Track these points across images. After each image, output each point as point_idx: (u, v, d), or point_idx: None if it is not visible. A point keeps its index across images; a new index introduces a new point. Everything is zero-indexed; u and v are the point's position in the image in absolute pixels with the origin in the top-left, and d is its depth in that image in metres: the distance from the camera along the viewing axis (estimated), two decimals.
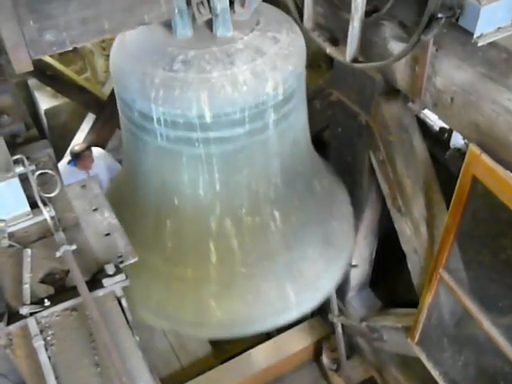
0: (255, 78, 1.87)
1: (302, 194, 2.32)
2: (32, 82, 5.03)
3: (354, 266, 3.46)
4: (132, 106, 1.99)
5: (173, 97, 1.87)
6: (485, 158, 2.04)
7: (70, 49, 1.55)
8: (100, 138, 4.68)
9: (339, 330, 3.69)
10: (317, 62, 3.43)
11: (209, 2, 1.87)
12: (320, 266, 2.36)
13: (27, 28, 1.42)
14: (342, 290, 3.65)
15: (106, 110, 4.56)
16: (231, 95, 1.86)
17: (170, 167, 2.09)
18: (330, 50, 2.39)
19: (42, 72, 4.35)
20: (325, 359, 4.02)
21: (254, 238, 2.22)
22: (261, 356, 4.00)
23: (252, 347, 4.06)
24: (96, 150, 4.30)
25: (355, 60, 2.31)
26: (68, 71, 4.62)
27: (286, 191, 2.23)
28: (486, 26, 1.93)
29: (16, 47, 1.41)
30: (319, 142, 3.48)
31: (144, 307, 2.28)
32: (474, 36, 1.93)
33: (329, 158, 3.25)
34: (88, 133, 4.67)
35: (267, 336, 4.43)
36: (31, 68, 1.47)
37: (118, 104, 2.15)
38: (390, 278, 3.68)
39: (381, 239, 3.44)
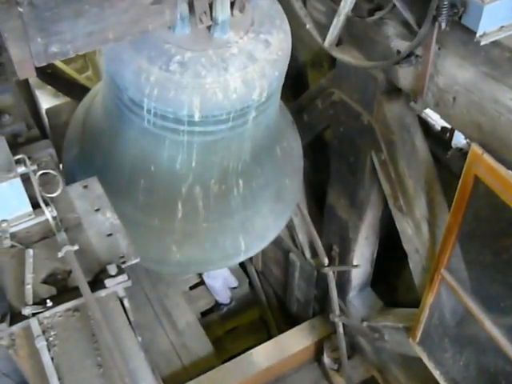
0: (245, 87, 2.03)
1: (264, 163, 2.60)
2: (33, 80, 5.01)
3: (356, 266, 3.46)
4: (123, 90, 2.09)
5: (167, 97, 1.98)
6: (487, 157, 2.03)
7: (73, 56, 1.57)
8: None
9: (340, 329, 3.69)
10: (319, 62, 3.42)
11: (211, 12, 1.89)
12: (269, 220, 2.71)
13: (34, 44, 1.46)
14: (343, 289, 3.65)
15: None
16: (221, 102, 2.00)
17: (151, 144, 2.27)
18: (309, 26, 2.47)
19: (43, 70, 4.32)
20: (326, 359, 4.02)
21: (218, 201, 2.50)
22: (262, 356, 4.00)
23: (253, 347, 4.06)
24: None
25: (330, 46, 2.44)
26: (69, 70, 4.61)
27: (252, 164, 2.50)
28: (489, 24, 1.92)
29: (22, 61, 1.44)
30: (321, 142, 3.49)
31: None
32: (477, 35, 1.92)
33: (330, 157, 3.26)
34: None
35: (268, 336, 4.44)
36: (34, 74, 1.49)
37: (104, 77, 2.28)
38: (391, 278, 3.68)
39: (382, 239, 3.44)
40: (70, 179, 2.19)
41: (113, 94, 2.23)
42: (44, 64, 1.54)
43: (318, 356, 4.13)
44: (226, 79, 1.98)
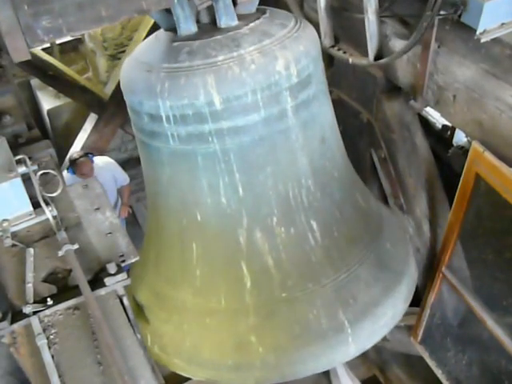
0: (264, 57, 1.74)
1: (341, 204, 2.02)
2: (34, 82, 5.05)
3: None
4: (140, 110, 1.86)
5: (179, 85, 1.73)
6: (488, 155, 2.03)
7: (69, 38, 1.53)
8: (102, 137, 4.69)
9: None
10: None
11: None
12: (376, 291, 2.01)
13: (22, 13, 1.38)
14: None
15: (108, 110, 4.57)
16: (239, 75, 1.70)
17: (186, 173, 1.87)
18: (352, 59, 2.37)
19: (44, 72, 4.36)
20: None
21: (291, 255, 1.90)
22: None
23: None
24: (101, 159, 4.10)
25: (379, 57, 2.25)
26: (69, 71, 4.63)
27: (322, 197, 1.93)
28: (490, 21, 1.92)
29: (12, 34, 1.37)
30: None
31: (178, 356, 2.03)
32: (477, 32, 1.92)
33: None
34: (90, 132, 4.68)
35: None
36: (29, 57, 1.43)
37: (132, 123, 2.00)
38: None
39: None
40: None
41: (137, 130, 1.96)
42: (38, 44, 1.47)
43: None
44: (239, 54, 1.73)
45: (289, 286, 1.91)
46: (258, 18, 1.88)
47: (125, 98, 1.97)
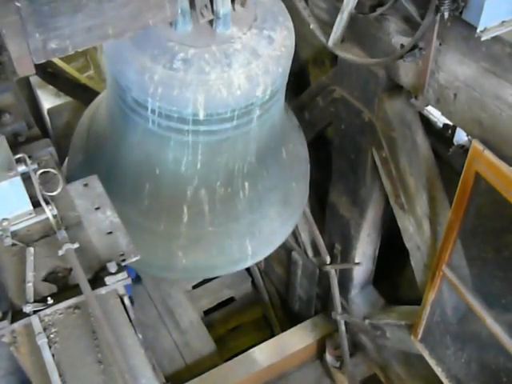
0: (249, 83, 2.00)
1: (270, 165, 2.55)
2: (34, 79, 5.01)
3: (358, 263, 3.45)
4: (127, 91, 2.07)
5: (171, 95, 1.95)
6: (488, 154, 2.03)
7: (72, 53, 1.56)
8: None
9: (342, 327, 3.68)
10: (321, 59, 3.41)
11: (212, 6, 1.88)
12: (277, 224, 2.65)
13: (33, 40, 1.45)
14: (345, 287, 3.65)
15: None
16: (226, 99, 1.99)
17: (156, 146, 2.23)
18: (313, 26, 2.46)
19: (44, 69, 4.32)
20: (328, 357, 4.02)
21: (223, 204, 2.46)
22: (264, 354, 4.01)
23: (256, 345, 4.06)
24: None
25: (334, 46, 2.43)
26: (70, 69, 4.59)
27: (258, 165, 2.45)
28: (490, 19, 1.90)
29: (21, 58, 1.43)
30: (322, 139, 3.48)
31: None
32: (478, 30, 1.91)
33: (332, 155, 3.25)
34: None
35: (271, 334, 4.44)
36: (33, 71, 1.49)
37: (108, 79, 2.26)
38: (393, 276, 3.68)
39: (384, 237, 3.43)
40: None
41: (116, 96, 2.22)
42: (43, 61, 1.53)
43: (320, 354, 4.13)
44: (229, 75, 1.97)
45: (216, 224, 2.50)
46: (250, 28, 2.06)
47: (107, 65, 2.13)
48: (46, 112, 4.96)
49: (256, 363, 3.96)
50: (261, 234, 2.60)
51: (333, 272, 3.48)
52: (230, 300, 4.85)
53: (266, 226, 2.61)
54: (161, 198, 2.44)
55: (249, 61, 2.00)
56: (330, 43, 2.43)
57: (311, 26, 2.47)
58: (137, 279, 4.42)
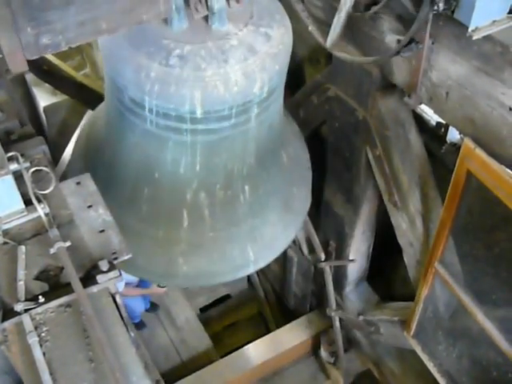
0: (246, 79, 1.97)
1: (270, 168, 2.51)
2: (30, 77, 4.99)
3: (352, 260, 3.47)
4: (123, 90, 2.04)
5: (168, 93, 1.92)
6: (479, 152, 2.04)
7: (65, 49, 1.55)
8: None
9: (337, 323, 3.71)
10: (316, 57, 3.40)
11: (206, 1, 1.88)
12: (278, 229, 2.60)
13: (24, 34, 1.43)
14: (339, 284, 3.67)
15: None
16: (223, 95, 1.95)
17: (154, 147, 2.20)
18: (311, 28, 2.45)
19: (39, 67, 4.30)
20: (323, 352, 4.04)
21: (224, 208, 2.40)
22: (260, 350, 4.03)
23: (252, 342, 4.08)
24: None
25: (333, 47, 2.40)
26: (66, 67, 4.57)
27: (257, 168, 2.41)
28: (481, 19, 1.91)
29: (12, 53, 1.42)
30: (316, 137, 3.49)
31: None
32: (469, 29, 1.91)
33: (326, 153, 3.26)
34: None
35: (267, 331, 4.47)
36: (26, 68, 1.48)
37: (106, 82, 2.21)
38: (386, 272, 3.70)
39: (378, 234, 3.44)
40: None
41: (114, 98, 2.19)
42: (36, 57, 1.51)
43: (315, 350, 4.16)
44: (226, 71, 1.93)
45: (216, 229, 2.44)
46: (246, 25, 2.03)
47: (104, 65, 2.10)
48: (42, 110, 4.95)
49: (252, 359, 3.99)
50: (262, 240, 2.52)
51: (327, 269, 3.50)
52: (226, 297, 4.87)
53: (268, 232, 2.54)
54: (160, 203, 2.38)
55: (245, 57, 1.97)
56: (329, 44, 2.40)
57: (310, 28, 2.45)
58: (141, 324, 4.28)
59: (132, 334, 1.56)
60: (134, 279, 3.77)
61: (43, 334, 1.44)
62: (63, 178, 2.39)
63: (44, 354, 1.39)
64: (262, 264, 2.62)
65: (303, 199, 2.77)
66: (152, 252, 2.42)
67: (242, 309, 4.85)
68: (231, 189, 2.37)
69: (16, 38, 1.41)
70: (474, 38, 1.93)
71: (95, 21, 1.50)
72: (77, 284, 1.48)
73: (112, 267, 1.57)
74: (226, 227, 2.45)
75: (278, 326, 4.26)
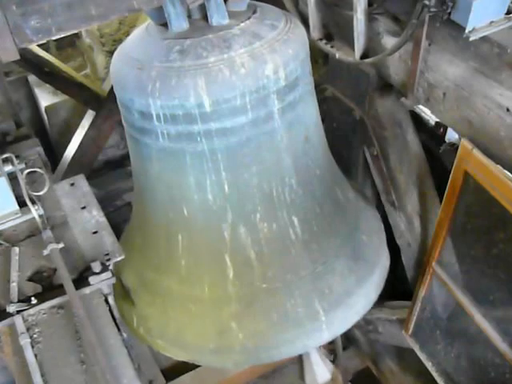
0: (253, 60, 1.76)
1: (322, 200, 2.08)
2: (32, 78, 5.03)
3: None
4: (131, 107, 1.89)
5: (170, 86, 1.76)
6: (476, 153, 2.02)
7: (57, 37, 1.50)
8: (100, 134, 4.67)
9: None
10: (313, 58, 3.39)
11: None
12: (351, 282, 2.10)
13: (10, 13, 1.38)
14: None
15: (106, 107, 4.55)
16: (229, 78, 1.73)
17: (174, 170, 1.93)
18: (339, 55, 2.36)
19: (40, 69, 4.35)
20: (322, 350, 4.04)
21: (272, 248, 1.98)
22: None
23: None
24: None
25: (365, 56, 2.25)
26: (66, 68, 4.61)
27: (304, 195, 1.99)
28: (478, 20, 1.89)
29: (0, 35, 1.37)
30: None
31: (162, 338, 2.10)
32: (466, 30, 1.89)
33: None
34: (88, 129, 4.67)
35: None
36: (17, 57, 1.43)
37: (122, 116, 2.03)
38: None
39: None
40: None
41: (128, 127, 1.99)
42: (27, 44, 1.46)
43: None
44: (230, 56, 1.75)
45: (269, 277, 1.98)
46: (249, 18, 1.89)
47: (115, 93, 1.98)
48: (43, 110, 4.99)
49: None
50: (332, 294, 2.01)
51: None
52: None
53: (337, 284, 2.03)
54: (198, 249, 1.98)
55: (250, 42, 1.78)
56: (357, 56, 2.25)
57: (337, 56, 2.37)
58: None
59: (125, 335, 1.57)
60: None
61: (35, 336, 1.45)
62: (64, 177, 2.37)
63: (36, 355, 1.40)
64: (337, 328, 2.08)
65: (377, 250, 2.26)
66: (200, 320, 1.98)
67: None
68: (275, 220, 1.94)
69: (2, 16, 1.35)
70: (471, 38, 1.91)
71: (83, 3, 1.45)
72: (69, 285, 1.49)
73: (105, 268, 1.58)
74: (280, 275, 1.97)
75: None
